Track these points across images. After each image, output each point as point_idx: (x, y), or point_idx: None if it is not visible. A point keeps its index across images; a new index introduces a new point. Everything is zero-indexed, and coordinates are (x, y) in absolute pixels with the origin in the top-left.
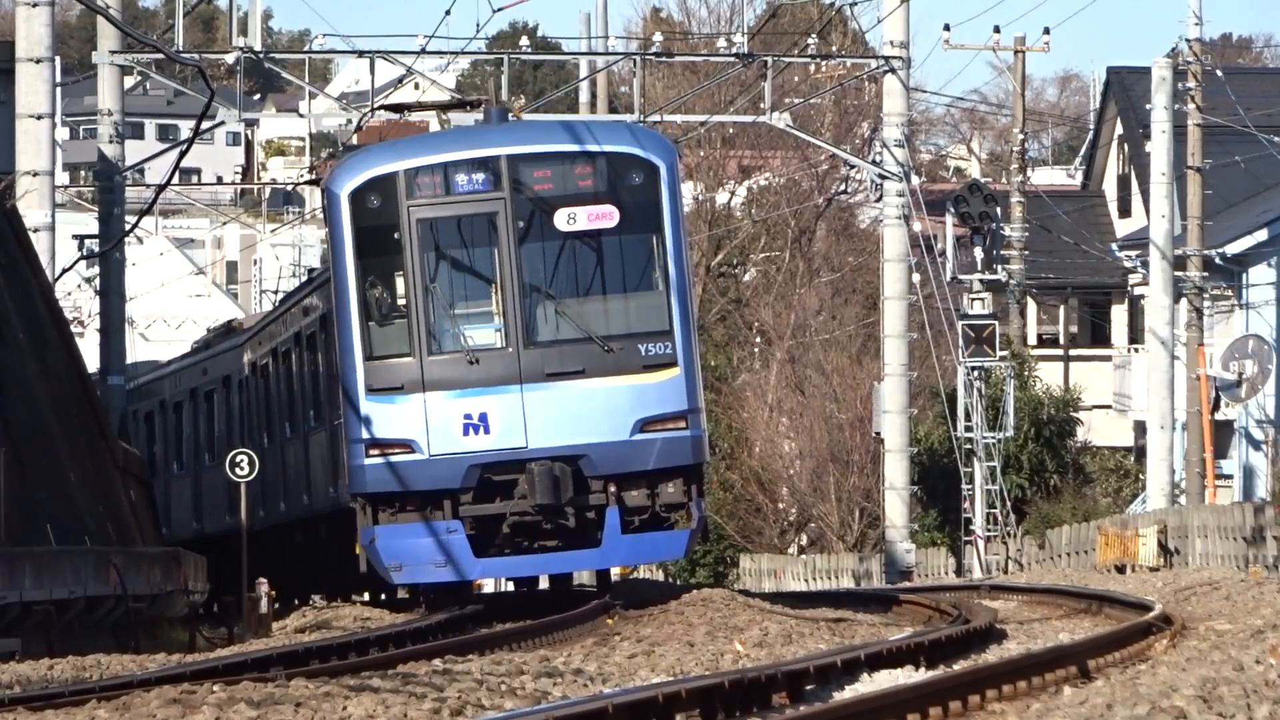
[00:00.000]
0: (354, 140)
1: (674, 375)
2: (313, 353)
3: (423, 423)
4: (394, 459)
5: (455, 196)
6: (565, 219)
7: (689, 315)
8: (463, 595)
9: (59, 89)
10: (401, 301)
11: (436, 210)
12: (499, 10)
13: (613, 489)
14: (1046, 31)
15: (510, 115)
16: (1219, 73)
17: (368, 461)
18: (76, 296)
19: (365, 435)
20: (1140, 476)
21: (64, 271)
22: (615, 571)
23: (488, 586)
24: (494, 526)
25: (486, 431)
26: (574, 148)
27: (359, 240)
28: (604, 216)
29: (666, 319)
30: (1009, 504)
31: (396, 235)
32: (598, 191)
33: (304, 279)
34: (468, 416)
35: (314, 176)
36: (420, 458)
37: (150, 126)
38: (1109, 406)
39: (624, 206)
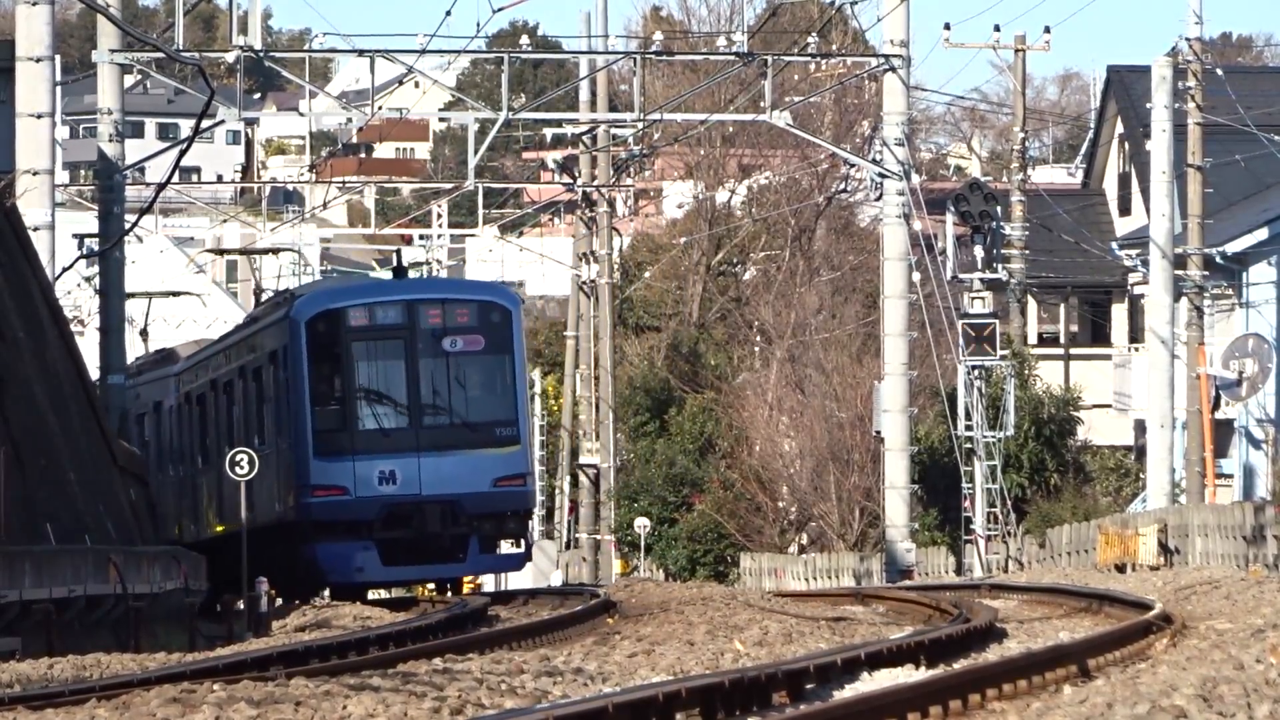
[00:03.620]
0: (353, 139)
1: (517, 449)
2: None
3: (352, 475)
4: (331, 499)
5: (376, 326)
6: (449, 343)
7: (526, 408)
8: (360, 594)
9: (59, 88)
10: (338, 394)
11: (364, 335)
12: (499, 10)
13: (475, 523)
14: (1047, 30)
15: (410, 273)
16: (1219, 72)
17: (313, 500)
18: (76, 296)
19: (312, 482)
20: (1140, 475)
21: (64, 271)
22: (616, 569)
23: (487, 586)
24: (396, 546)
25: (394, 483)
26: (455, 296)
27: (312, 353)
28: (474, 342)
29: (513, 411)
30: (1009, 503)
31: (337, 350)
32: (470, 326)
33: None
34: (381, 472)
35: (313, 172)
36: (349, 498)
37: (150, 125)
38: (1109, 405)
39: (487, 336)
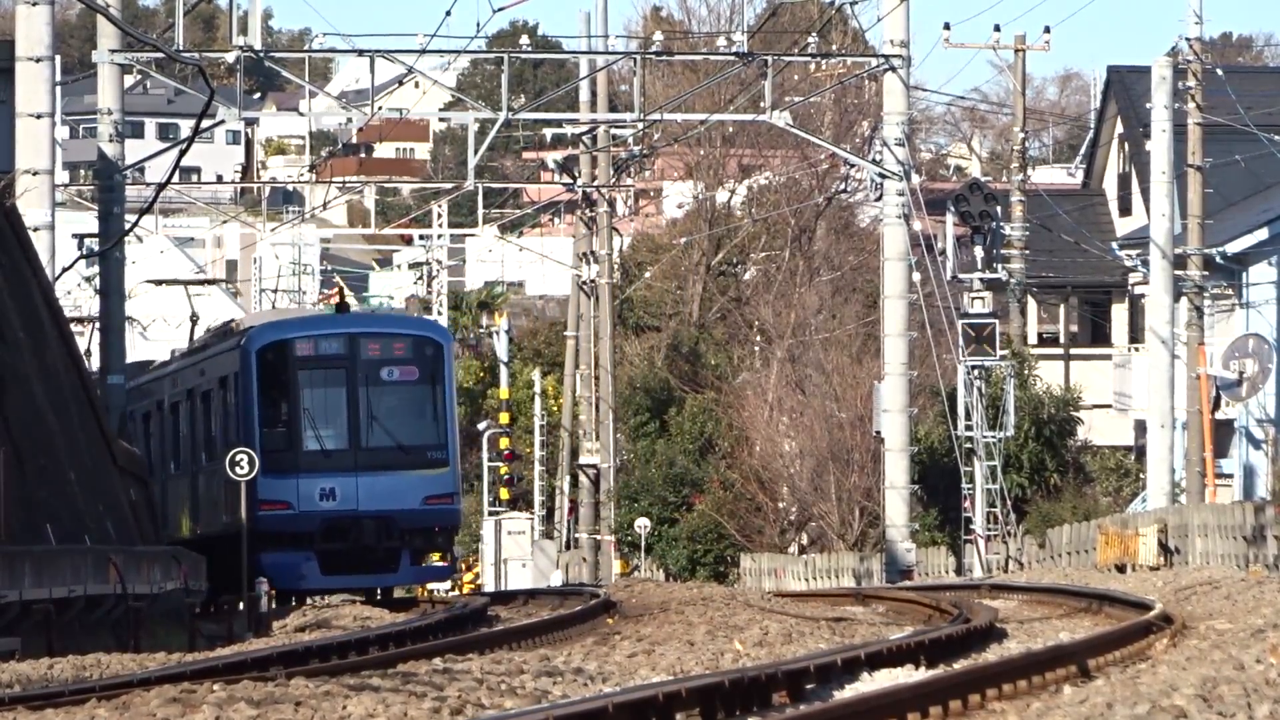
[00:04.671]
0: (353, 139)
1: (446, 470)
2: None
3: (295, 492)
4: (276, 513)
5: (321, 356)
6: (386, 373)
7: (455, 433)
8: (303, 596)
9: (59, 88)
10: (285, 418)
11: (310, 364)
12: (499, 10)
13: (407, 537)
14: (1047, 30)
15: (351, 308)
16: (1219, 72)
17: (260, 514)
18: (76, 296)
19: (259, 497)
20: (1140, 475)
21: (64, 271)
22: (616, 569)
23: (488, 587)
24: (334, 556)
25: (334, 499)
26: (392, 330)
27: (262, 380)
28: (409, 373)
29: (443, 435)
30: (1009, 503)
31: (285, 378)
32: (406, 358)
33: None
34: (323, 489)
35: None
36: (293, 512)
37: (150, 125)
38: (1109, 405)
39: (420, 368)
